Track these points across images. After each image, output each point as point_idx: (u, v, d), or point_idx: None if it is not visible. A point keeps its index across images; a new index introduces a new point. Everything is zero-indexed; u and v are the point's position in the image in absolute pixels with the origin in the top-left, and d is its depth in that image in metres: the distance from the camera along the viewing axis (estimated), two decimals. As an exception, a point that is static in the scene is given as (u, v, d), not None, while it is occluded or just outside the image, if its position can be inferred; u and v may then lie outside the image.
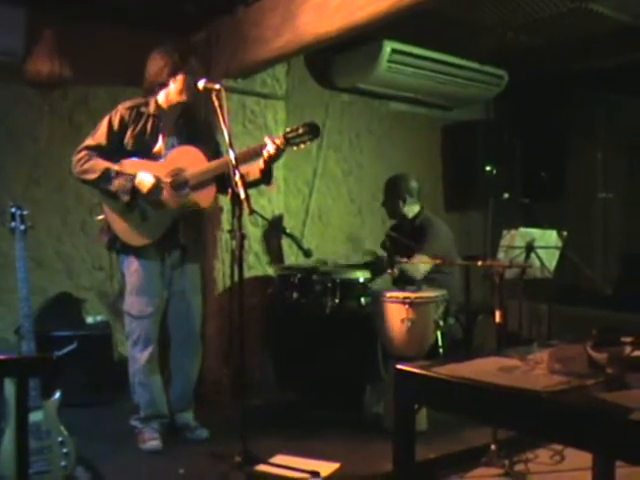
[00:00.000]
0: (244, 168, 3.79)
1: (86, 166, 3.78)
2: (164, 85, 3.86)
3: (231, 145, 3.48)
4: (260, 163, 3.74)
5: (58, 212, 5.04)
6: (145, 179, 3.72)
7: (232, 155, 3.45)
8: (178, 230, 3.89)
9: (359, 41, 5.47)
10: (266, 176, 3.85)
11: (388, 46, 5.46)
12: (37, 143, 4.95)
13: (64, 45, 4.72)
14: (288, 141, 3.63)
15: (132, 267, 3.90)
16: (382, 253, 5.21)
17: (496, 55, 6.01)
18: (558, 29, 5.26)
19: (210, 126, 4.09)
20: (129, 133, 3.84)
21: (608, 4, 4.75)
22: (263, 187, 5.02)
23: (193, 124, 3.98)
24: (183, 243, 3.93)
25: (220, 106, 3.52)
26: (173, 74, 3.82)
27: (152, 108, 3.89)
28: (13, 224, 3.35)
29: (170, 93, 3.87)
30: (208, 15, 4.96)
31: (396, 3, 3.65)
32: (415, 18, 4.08)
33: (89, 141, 3.83)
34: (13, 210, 3.37)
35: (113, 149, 3.82)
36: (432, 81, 5.93)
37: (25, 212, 3.39)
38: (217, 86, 3.61)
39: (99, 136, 3.83)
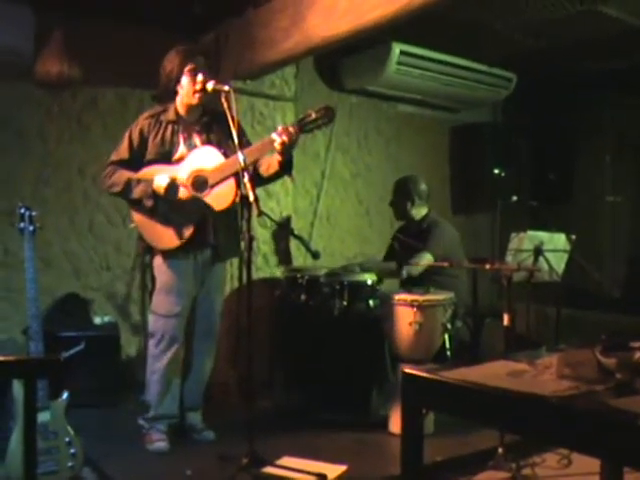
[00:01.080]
0: (264, 161, 3.82)
1: (111, 181, 3.88)
2: (176, 92, 3.87)
3: (240, 148, 3.48)
4: (277, 155, 3.70)
5: (66, 212, 5.05)
6: (160, 181, 3.75)
7: (241, 158, 3.44)
8: (207, 230, 3.87)
9: (368, 43, 5.47)
10: (286, 167, 3.80)
11: (397, 48, 5.46)
12: (46, 143, 4.96)
13: (73, 46, 4.73)
14: (302, 128, 3.60)
15: (163, 267, 3.91)
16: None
17: (504, 57, 6.00)
18: (567, 31, 5.25)
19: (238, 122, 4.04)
20: (150, 142, 3.88)
21: (617, 6, 4.73)
22: (272, 189, 5.07)
23: (220, 121, 3.87)
24: (213, 243, 3.92)
25: (229, 108, 3.52)
26: (182, 65, 3.81)
27: (170, 114, 3.92)
28: (22, 225, 3.37)
29: (183, 97, 3.88)
30: (217, 16, 4.96)
31: (404, 6, 3.65)
32: (423, 20, 4.07)
33: (113, 156, 3.92)
34: (22, 211, 3.39)
35: (137, 160, 3.87)
36: (440, 83, 5.92)
37: (34, 213, 3.41)
38: (226, 87, 3.61)
39: (121, 151, 3.90)
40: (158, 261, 3.93)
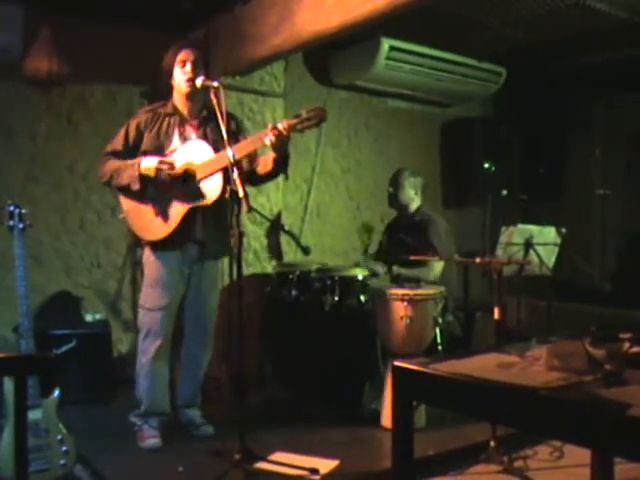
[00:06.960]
0: (261, 159, 3.82)
1: (102, 170, 3.90)
2: (172, 77, 3.86)
3: (229, 143, 3.47)
4: (271, 152, 3.68)
5: (56, 210, 5.03)
6: (148, 162, 3.74)
7: (230, 153, 3.44)
8: (194, 225, 3.84)
9: (357, 38, 5.48)
10: (280, 165, 3.76)
11: (386, 43, 5.47)
12: (35, 141, 4.95)
13: (62, 43, 4.72)
14: (292, 127, 3.53)
15: (150, 260, 3.91)
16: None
17: (494, 52, 6.01)
18: (556, 25, 5.26)
19: (236, 119, 4.04)
20: (146, 135, 3.88)
21: (605, 0, 4.75)
22: (262, 185, 5.05)
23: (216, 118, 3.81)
24: (199, 239, 3.88)
25: (218, 104, 3.51)
26: (174, 57, 3.82)
27: (169, 108, 3.93)
28: (11, 222, 3.35)
29: (177, 88, 3.88)
30: (206, 12, 4.95)
31: (393, 1, 3.65)
32: (413, 15, 4.07)
33: (107, 147, 3.94)
34: (11, 208, 3.37)
35: (131, 153, 3.87)
36: (430, 78, 5.93)
37: (23, 210, 3.39)
38: (215, 84, 3.59)
39: (116, 142, 3.92)
40: (146, 254, 3.93)
